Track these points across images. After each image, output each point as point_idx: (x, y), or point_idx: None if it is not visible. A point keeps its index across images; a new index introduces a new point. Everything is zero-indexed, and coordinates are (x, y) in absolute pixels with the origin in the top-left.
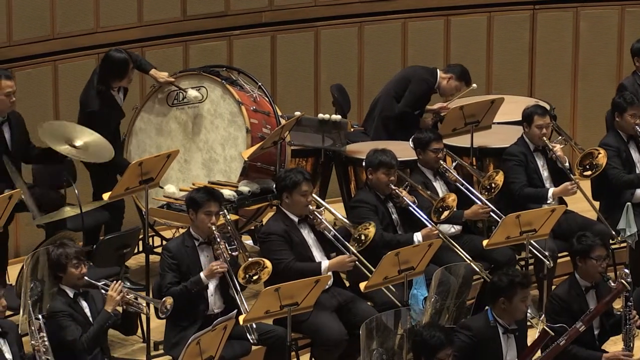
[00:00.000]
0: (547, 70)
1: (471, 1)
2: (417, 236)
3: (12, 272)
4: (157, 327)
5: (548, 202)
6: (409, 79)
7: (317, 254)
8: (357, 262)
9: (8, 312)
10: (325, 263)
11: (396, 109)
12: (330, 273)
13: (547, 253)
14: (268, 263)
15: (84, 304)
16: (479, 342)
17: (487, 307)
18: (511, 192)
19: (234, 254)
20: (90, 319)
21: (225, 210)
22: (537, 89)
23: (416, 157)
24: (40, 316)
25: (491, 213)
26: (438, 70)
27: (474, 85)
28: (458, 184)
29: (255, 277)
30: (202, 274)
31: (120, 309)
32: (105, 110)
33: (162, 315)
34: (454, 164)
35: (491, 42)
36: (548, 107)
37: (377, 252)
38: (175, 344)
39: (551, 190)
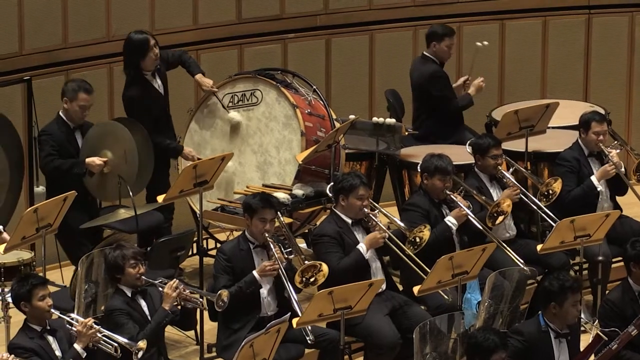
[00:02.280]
0: (602, 75)
1: (526, 5)
2: (449, 219)
3: (67, 274)
4: (211, 329)
5: (598, 189)
6: (423, 86)
7: (370, 257)
8: (411, 265)
9: None
10: (361, 245)
11: (448, 112)
12: (383, 277)
13: (600, 258)
14: (324, 266)
15: (142, 303)
16: (530, 347)
17: (539, 312)
18: (561, 198)
19: (289, 257)
20: (149, 317)
21: (279, 213)
22: (592, 94)
23: (472, 162)
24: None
25: (544, 215)
26: (423, 52)
27: (485, 42)
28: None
29: (312, 280)
30: (255, 273)
31: (179, 306)
32: (142, 94)
33: (219, 309)
34: (511, 169)
35: (546, 46)
36: (603, 112)
37: (428, 255)
38: (227, 346)
39: (593, 178)
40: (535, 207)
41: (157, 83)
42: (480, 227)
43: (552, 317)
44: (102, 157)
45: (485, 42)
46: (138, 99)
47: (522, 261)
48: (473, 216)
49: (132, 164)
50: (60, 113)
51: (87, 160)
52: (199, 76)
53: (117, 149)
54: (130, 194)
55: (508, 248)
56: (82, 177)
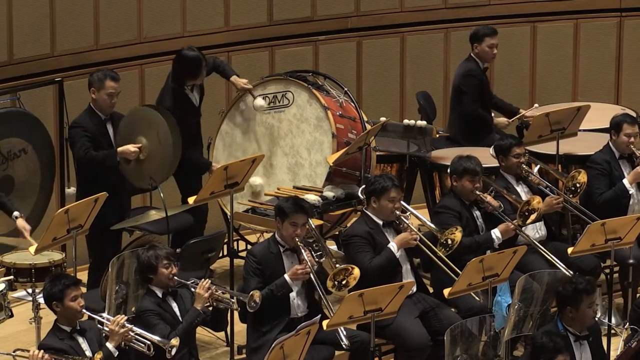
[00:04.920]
0: (634, 78)
1: (558, 8)
2: (495, 232)
3: None
4: (241, 330)
5: (630, 192)
6: (459, 85)
7: (401, 258)
8: (442, 267)
9: None
10: (392, 244)
11: (469, 113)
12: (413, 279)
13: (631, 261)
14: (356, 270)
15: (173, 304)
16: None
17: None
18: (593, 201)
19: (320, 260)
20: (180, 317)
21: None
22: (624, 96)
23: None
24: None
25: (582, 215)
26: (470, 53)
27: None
28: (541, 187)
29: (344, 282)
30: (287, 277)
31: (210, 306)
32: (178, 107)
33: (251, 310)
34: (536, 167)
35: (578, 49)
36: (634, 115)
37: (458, 257)
38: (257, 348)
39: (625, 181)
40: (573, 209)
41: (195, 97)
42: (523, 237)
43: (569, 321)
44: (136, 144)
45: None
46: (172, 110)
47: (557, 260)
48: (505, 217)
49: (166, 145)
50: (90, 104)
51: (120, 149)
52: (234, 78)
53: (150, 133)
54: (161, 195)
55: (541, 246)
56: (116, 167)
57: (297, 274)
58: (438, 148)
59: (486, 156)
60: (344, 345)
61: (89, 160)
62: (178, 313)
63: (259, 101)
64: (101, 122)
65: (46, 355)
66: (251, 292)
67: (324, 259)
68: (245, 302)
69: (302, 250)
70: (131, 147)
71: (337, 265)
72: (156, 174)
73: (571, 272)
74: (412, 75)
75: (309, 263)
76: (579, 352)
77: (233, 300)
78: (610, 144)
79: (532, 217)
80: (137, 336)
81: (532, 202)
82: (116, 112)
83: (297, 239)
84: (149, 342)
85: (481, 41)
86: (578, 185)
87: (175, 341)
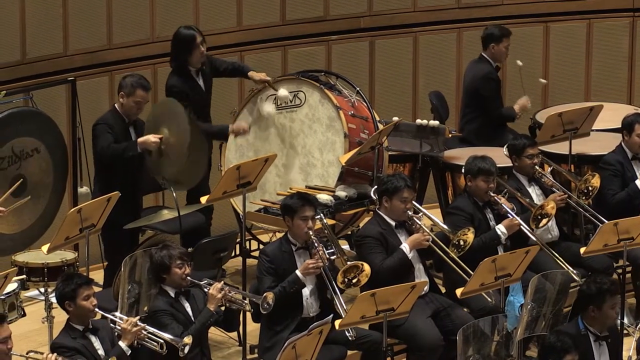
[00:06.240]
0: None
1: (570, 8)
2: (500, 228)
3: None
4: (253, 330)
5: None
6: (475, 86)
7: (413, 258)
8: (454, 267)
9: None
10: (405, 245)
11: (493, 116)
12: (426, 279)
13: None
14: (367, 266)
15: (186, 304)
16: None
17: (577, 316)
18: (606, 202)
19: (332, 257)
20: (192, 317)
21: (321, 214)
22: (636, 96)
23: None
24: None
25: (591, 217)
26: (481, 53)
27: (519, 62)
28: (555, 189)
29: (354, 281)
30: (298, 272)
31: (223, 307)
32: (183, 84)
33: (264, 312)
34: (549, 169)
35: (590, 48)
36: None
37: (470, 258)
38: (269, 347)
39: (638, 182)
40: (582, 211)
41: (200, 82)
42: (529, 234)
43: (591, 321)
44: (159, 135)
45: (520, 63)
46: (180, 87)
47: (571, 269)
48: (525, 226)
49: (185, 132)
50: (116, 106)
51: (140, 139)
52: (251, 73)
53: (172, 125)
54: (174, 194)
55: (555, 254)
56: (137, 159)
57: (309, 269)
58: (450, 148)
59: (499, 156)
60: (349, 338)
61: (111, 153)
62: (190, 313)
63: (268, 107)
64: (124, 125)
65: (59, 358)
66: (264, 294)
67: (335, 256)
68: (258, 303)
69: (316, 245)
70: (152, 137)
71: (349, 263)
72: (172, 166)
73: (575, 272)
74: (424, 75)
75: (320, 257)
76: (597, 353)
77: (246, 301)
78: (622, 144)
79: (544, 221)
80: (150, 335)
81: (546, 207)
82: (139, 119)
83: (310, 233)
84: (161, 341)
85: (499, 42)
86: (591, 188)
87: (188, 339)
